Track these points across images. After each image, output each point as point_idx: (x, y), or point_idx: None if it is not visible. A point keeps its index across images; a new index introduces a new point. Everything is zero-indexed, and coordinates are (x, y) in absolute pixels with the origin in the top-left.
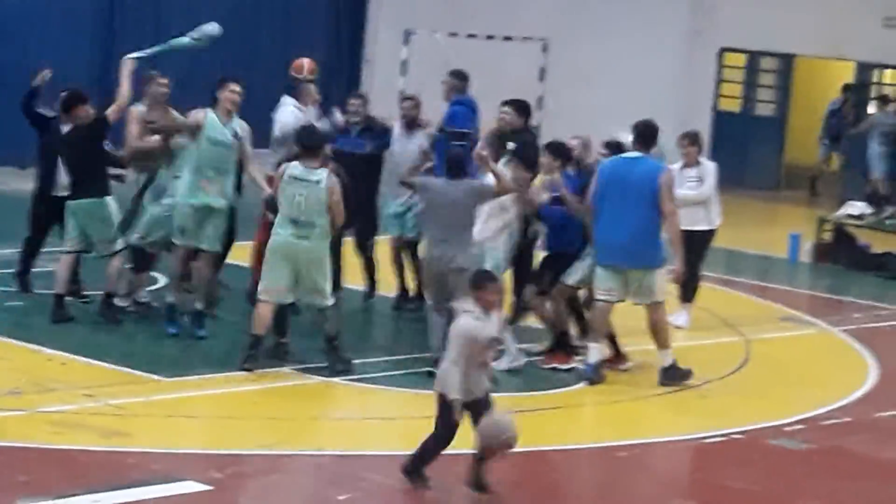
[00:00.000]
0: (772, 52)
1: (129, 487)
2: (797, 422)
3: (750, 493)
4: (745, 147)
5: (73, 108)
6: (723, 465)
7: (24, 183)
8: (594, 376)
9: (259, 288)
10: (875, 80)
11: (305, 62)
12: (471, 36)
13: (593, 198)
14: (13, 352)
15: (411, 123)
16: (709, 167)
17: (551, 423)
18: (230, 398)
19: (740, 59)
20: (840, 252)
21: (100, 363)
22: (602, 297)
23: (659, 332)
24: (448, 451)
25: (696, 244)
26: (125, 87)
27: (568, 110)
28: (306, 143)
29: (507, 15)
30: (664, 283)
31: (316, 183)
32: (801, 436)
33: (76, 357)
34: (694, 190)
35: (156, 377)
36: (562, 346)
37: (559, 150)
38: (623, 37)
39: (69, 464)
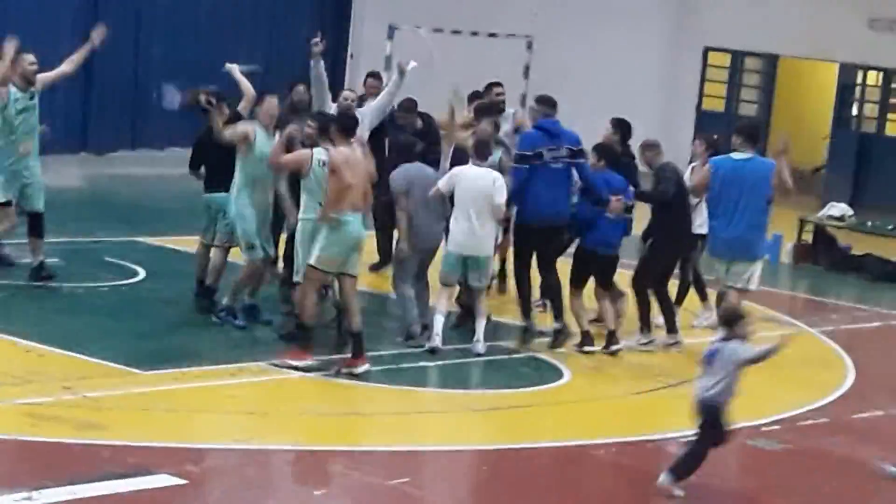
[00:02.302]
0: (756, 52)
1: (104, 480)
2: (774, 422)
3: (726, 493)
4: (727, 147)
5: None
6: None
7: None
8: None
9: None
10: (859, 81)
11: None
12: (455, 32)
13: (710, 195)
14: None
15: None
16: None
17: (527, 420)
18: (207, 392)
19: (724, 59)
20: (820, 253)
21: (77, 355)
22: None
23: None
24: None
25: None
26: (246, 84)
27: None
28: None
29: (492, 11)
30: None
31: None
32: (777, 436)
33: (54, 349)
34: None
35: (133, 370)
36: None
37: (603, 151)
38: (608, 35)
39: (45, 456)
